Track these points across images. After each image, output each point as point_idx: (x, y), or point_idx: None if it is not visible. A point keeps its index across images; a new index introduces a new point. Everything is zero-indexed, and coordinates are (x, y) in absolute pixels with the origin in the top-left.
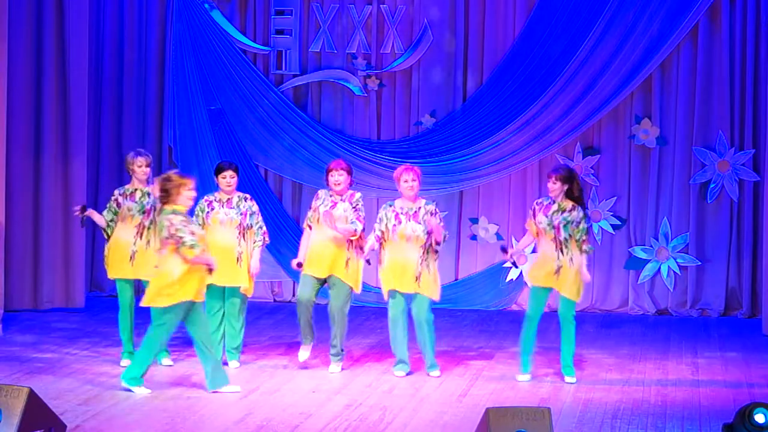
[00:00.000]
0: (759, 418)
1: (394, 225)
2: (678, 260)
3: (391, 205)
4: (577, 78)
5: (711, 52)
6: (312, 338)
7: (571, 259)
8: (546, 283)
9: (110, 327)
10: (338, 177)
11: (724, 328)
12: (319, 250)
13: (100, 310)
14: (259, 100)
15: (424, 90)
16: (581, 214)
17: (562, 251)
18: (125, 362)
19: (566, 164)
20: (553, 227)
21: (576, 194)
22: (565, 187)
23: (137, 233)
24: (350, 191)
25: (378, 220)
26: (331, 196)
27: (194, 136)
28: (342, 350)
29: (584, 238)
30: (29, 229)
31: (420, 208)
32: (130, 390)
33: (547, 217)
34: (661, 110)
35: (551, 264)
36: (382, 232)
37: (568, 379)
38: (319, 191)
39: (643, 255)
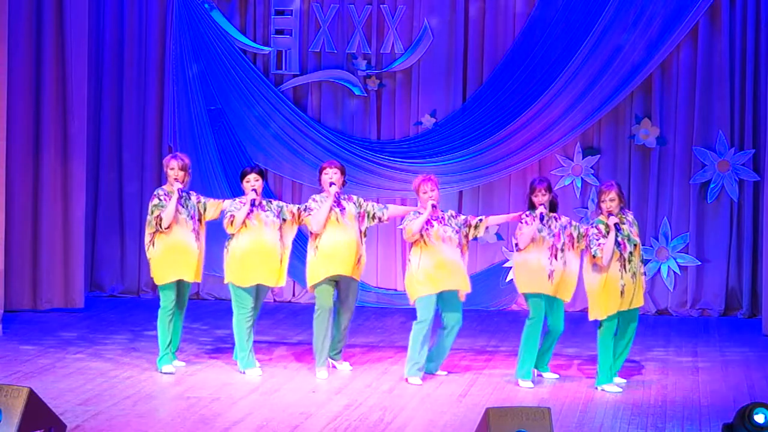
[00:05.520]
0: (759, 418)
1: (428, 230)
2: (678, 260)
3: (416, 214)
4: (577, 78)
5: (711, 52)
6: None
7: (565, 263)
8: (541, 290)
9: (110, 327)
10: (333, 175)
11: (724, 328)
12: (340, 247)
13: (100, 310)
14: (259, 100)
15: (424, 90)
16: (567, 218)
17: (556, 257)
18: (168, 368)
19: (542, 176)
20: (553, 235)
21: (554, 204)
22: (551, 197)
23: (196, 238)
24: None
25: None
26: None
27: (194, 136)
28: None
29: (582, 229)
30: (29, 229)
31: (443, 214)
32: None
33: (545, 226)
34: (661, 110)
35: (543, 273)
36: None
37: (547, 375)
38: (314, 199)
39: (643, 255)
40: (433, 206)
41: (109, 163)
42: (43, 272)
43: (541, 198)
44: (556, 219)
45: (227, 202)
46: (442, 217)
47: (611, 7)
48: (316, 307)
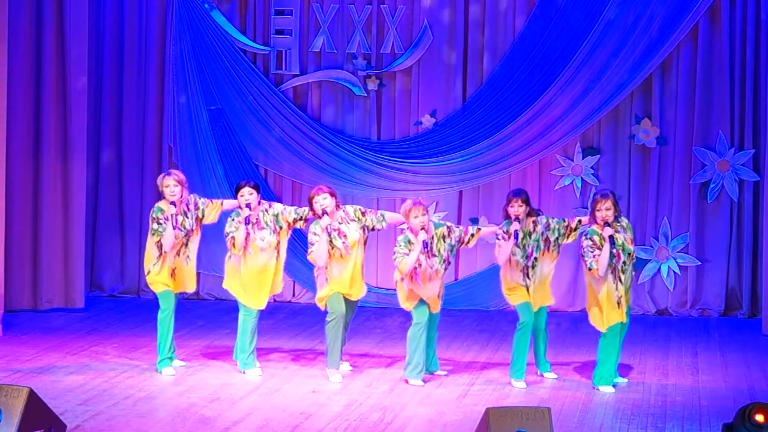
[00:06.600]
0: (759, 418)
1: (416, 269)
2: (678, 260)
3: (408, 243)
4: (577, 78)
5: (711, 52)
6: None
7: (536, 275)
8: (526, 299)
9: (110, 327)
10: (323, 201)
11: (724, 328)
12: (348, 277)
13: (100, 311)
14: (259, 100)
15: (424, 90)
16: (543, 218)
17: (528, 275)
18: (168, 371)
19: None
20: (527, 257)
21: (534, 209)
22: (528, 209)
23: (176, 253)
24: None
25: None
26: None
27: (194, 136)
28: None
29: (563, 228)
30: (29, 229)
31: (432, 237)
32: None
33: (520, 248)
34: (661, 110)
35: (522, 287)
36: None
37: (547, 375)
38: (315, 233)
39: (643, 255)
40: (424, 243)
41: (109, 163)
42: (43, 272)
43: (517, 209)
44: (531, 233)
45: (227, 203)
46: (430, 249)
47: (611, 7)
48: (329, 311)
